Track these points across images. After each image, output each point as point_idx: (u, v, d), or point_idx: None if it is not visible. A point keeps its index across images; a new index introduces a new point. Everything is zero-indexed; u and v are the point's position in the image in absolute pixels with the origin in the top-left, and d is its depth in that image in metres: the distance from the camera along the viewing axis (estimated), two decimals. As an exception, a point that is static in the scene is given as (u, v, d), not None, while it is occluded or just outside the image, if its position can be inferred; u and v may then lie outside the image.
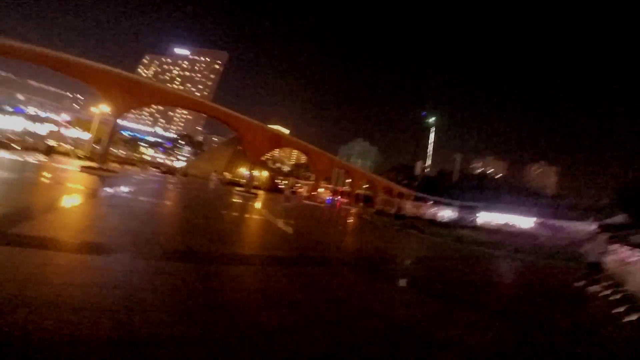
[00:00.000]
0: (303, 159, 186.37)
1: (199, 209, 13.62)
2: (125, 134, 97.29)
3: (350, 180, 73.46)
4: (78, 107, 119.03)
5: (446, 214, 76.71)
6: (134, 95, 24.47)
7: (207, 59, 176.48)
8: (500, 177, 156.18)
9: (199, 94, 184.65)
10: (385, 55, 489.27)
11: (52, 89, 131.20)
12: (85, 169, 22.63)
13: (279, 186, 72.79)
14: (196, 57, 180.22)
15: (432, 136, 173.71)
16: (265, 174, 70.16)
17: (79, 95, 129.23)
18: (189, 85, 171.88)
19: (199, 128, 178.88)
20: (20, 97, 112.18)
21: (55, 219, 6.45)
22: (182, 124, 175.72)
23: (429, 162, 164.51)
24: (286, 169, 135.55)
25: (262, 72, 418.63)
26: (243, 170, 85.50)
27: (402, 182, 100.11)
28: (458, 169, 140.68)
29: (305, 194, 56.95)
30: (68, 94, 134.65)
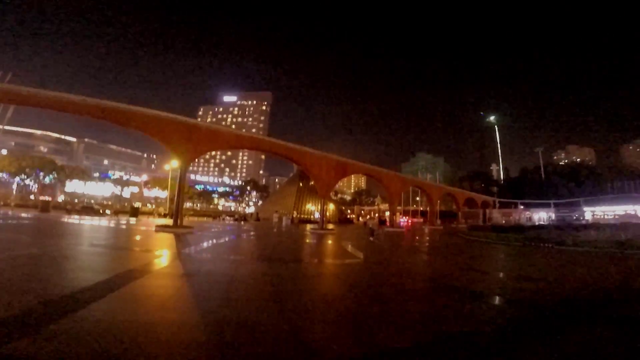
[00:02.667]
0: (362, 184, 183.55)
1: (287, 265, 10.60)
2: (198, 187, 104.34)
3: (425, 197, 67.10)
4: (154, 167, 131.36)
5: (542, 216, 65.83)
6: (195, 141, 23.66)
7: (253, 102, 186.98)
8: (593, 165, 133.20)
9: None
10: (429, 61, 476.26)
11: (130, 151, 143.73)
12: (160, 228, 21.87)
13: (348, 217, 69.48)
14: (244, 102, 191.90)
15: (497, 135, 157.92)
16: (331, 206, 67.42)
17: (153, 155, 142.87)
18: (243, 130, 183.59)
19: (261, 172, 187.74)
20: (106, 162, 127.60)
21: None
22: (245, 171, 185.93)
23: (501, 162, 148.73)
24: (348, 197, 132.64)
25: (308, 106, 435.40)
26: (310, 207, 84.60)
27: (480, 189, 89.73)
28: (542, 165, 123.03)
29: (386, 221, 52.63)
30: (145, 154, 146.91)
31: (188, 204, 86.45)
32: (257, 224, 42.23)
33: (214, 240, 17.37)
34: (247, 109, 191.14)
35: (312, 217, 53.11)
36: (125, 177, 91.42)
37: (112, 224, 26.01)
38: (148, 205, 58.86)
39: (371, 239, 19.75)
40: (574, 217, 52.65)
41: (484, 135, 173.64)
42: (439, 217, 60.71)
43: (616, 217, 49.35)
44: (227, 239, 18.94)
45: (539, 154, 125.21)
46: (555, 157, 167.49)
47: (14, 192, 58.63)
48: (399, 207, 52.64)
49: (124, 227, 24.62)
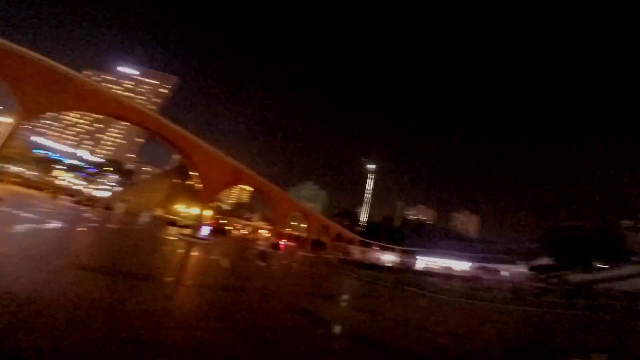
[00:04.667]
0: (244, 197, 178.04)
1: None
2: (38, 152, 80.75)
3: (302, 223, 69.12)
4: None
5: (389, 258, 77.52)
6: (56, 93, 17.90)
7: (155, 81, 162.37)
8: (432, 224, 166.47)
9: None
10: (334, 99, 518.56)
11: None
12: None
13: (224, 228, 64.78)
14: (144, 79, 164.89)
15: (370, 183, 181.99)
16: (208, 213, 61.57)
17: None
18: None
19: (132, 155, 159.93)
20: None
21: None
22: (113, 150, 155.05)
23: (366, 208, 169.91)
24: (226, 207, 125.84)
25: (212, 106, 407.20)
26: (181, 208, 75.52)
27: (347, 227, 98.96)
28: (398, 216, 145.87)
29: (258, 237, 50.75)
30: None
31: (19, 169, 65.30)
32: (105, 214, 33.61)
33: (25, 226, 12.41)
34: (144, 86, 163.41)
35: (180, 219, 46.32)
36: None
37: None
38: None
39: (262, 263, 16.95)
40: (410, 263, 63.68)
41: (360, 179, 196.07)
42: (316, 245, 63.17)
43: (440, 267, 62.17)
44: (50, 227, 13.95)
45: (396, 207, 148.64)
46: (406, 212, 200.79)
47: None
48: (281, 230, 52.26)
49: None
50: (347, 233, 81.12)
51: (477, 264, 60.83)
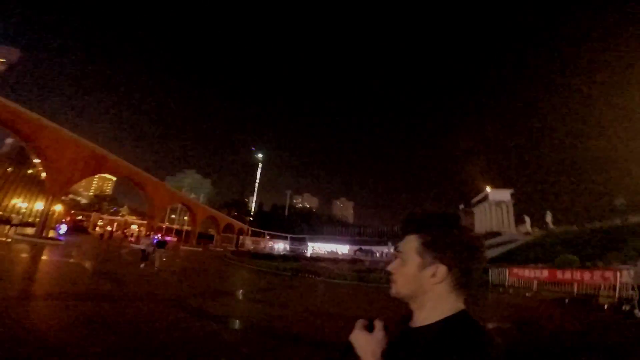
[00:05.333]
0: (107, 189, 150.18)
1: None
2: None
3: (185, 216, 62.88)
4: None
5: (280, 247, 79.56)
6: None
7: None
8: (317, 210, 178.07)
9: None
10: (218, 83, 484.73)
11: None
12: None
13: (83, 225, 53.35)
14: None
15: (259, 172, 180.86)
16: (59, 208, 49.07)
17: None
18: None
19: None
20: None
21: None
22: None
23: (255, 197, 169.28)
24: (83, 200, 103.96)
25: (73, 85, 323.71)
26: (19, 203, 58.65)
27: (237, 217, 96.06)
28: (288, 205, 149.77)
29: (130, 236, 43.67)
30: None
31: None
32: None
33: None
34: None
35: (16, 216, 35.12)
36: None
37: None
38: None
39: (142, 265, 14.02)
40: (301, 249, 66.57)
41: (248, 168, 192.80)
42: (200, 238, 58.51)
43: (326, 252, 66.90)
44: None
45: (288, 196, 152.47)
46: (295, 200, 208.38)
47: None
48: (159, 225, 45.88)
49: None
50: (238, 223, 78.35)
51: (355, 247, 67.78)
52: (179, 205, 55.60)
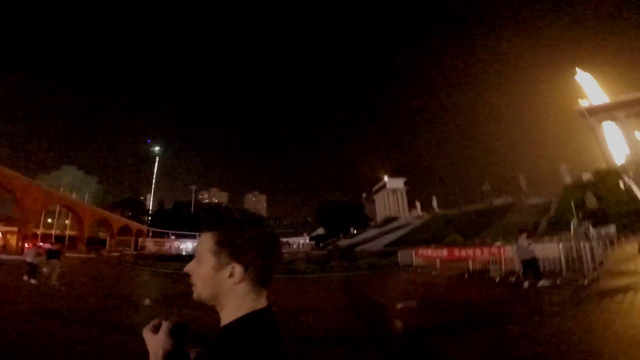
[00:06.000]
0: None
1: None
2: None
3: (71, 221, 53.11)
4: None
5: (189, 246, 74.49)
6: None
7: None
8: (227, 206, 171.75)
9: None
10: (99, 68, 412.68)
11: None
12: None
13: None
14: None
15: (156, 167, 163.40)
16: None
17: None
18: None
19: None
20: None
21: None
22: None
23: (153, 195, 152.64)
24: None
25: None
26: None
27: (132, 217, 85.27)
28: (194, 201, 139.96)
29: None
30: None
31: None
32: None
33: None
34: None
35: None
36: None
37: None
38: None
39: (32, 281, 11.55)
40: None
41: (143, 163, 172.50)
42: (94, 243, 50.49)
43: None
44: None
45: (193, 191, 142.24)
46: (200, 196, 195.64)
47: None
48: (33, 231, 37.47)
49: None
50: (135, 225, 69.94)
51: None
52: (57, 208, 46.74)
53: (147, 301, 9.06)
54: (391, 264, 17.60)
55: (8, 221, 42.45)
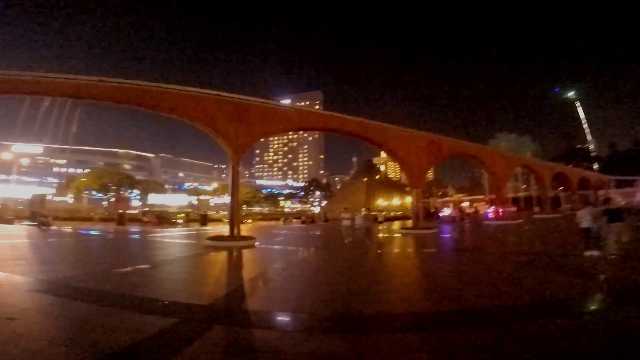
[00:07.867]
0: (428, 174, 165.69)
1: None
2: (264, 192, 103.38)
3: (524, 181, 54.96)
4: (224, 176, 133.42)
5: None
6: (246, 123, 18.20)
7: (306, 102, 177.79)
8: None
9: (311, 139, 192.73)
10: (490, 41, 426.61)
11: (201, 162, 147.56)
12: (213, 241, 16.40)
13: (432, 211, 57.87)
14: (297, 104, 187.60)
15: (580, 111, 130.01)
16: (409, 200, 56.32)
17: (223, 166, 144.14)
18: (304, 134, 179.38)
19: (322, 172, 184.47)
20: (181, 174, 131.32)
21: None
22: (307, 172, 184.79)
23: (589, 138, 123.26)
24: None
25: (362, 101, 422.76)
26: (381, 202, 76.52)
27: (580, 168, 72.78)
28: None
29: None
30: (215, 165, 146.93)
31: (257, 208, 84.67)
32: (327, 226, 36.50)
33: (279, 265, 11.26)
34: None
35: (383, 214, 43.48)
36: (198, 187, 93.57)
37: (165, 237, 22.23)
38: (221, 212, 55.97)
39: (588, 253, 9.38)
40: None
41: (564, 112, 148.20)
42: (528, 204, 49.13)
43: None
44: (299, 257, 13.21)
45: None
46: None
47: (103, 207, 60.97)
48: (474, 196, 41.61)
49: (176, 240, 20.86)
50: (592, 175, 60.28)
51: None
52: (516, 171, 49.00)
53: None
54: None
55: (467, 192, 51.30)
